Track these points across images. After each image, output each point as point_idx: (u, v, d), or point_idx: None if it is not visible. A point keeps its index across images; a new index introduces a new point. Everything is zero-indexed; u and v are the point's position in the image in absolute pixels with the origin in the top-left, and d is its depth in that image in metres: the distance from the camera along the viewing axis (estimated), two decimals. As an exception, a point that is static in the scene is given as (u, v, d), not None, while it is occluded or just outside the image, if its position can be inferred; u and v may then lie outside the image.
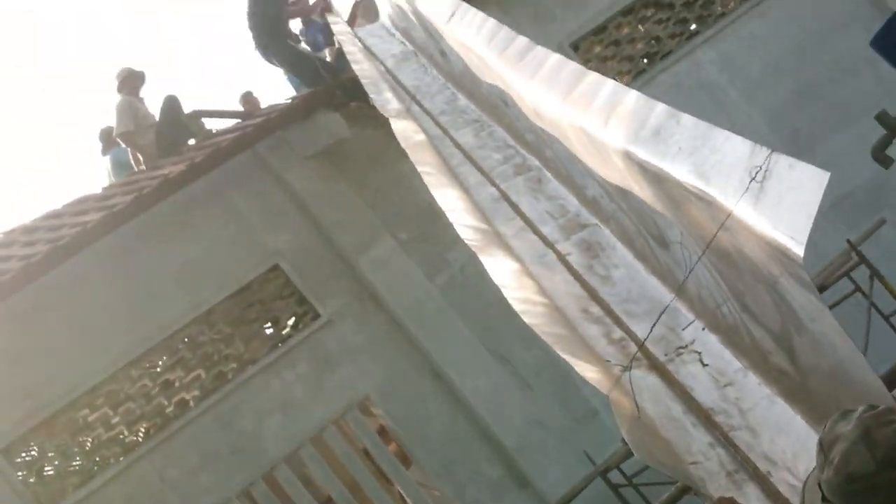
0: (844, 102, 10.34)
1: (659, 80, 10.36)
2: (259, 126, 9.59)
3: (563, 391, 9.44)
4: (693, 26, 10.78)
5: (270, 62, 10.79)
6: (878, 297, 7.95)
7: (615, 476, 8.14)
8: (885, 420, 2.46)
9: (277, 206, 9.60)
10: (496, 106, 6.58)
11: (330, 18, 10.69)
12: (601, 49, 10.59)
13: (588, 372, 3.97)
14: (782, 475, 3.26)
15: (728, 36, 10.66)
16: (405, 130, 6.80)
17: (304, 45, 10.99)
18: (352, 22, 11.87)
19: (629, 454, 6.03)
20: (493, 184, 6.00)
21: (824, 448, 2.52)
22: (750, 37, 10.63)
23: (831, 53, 10.56)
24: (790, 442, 3.34)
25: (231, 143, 9.42)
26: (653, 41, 10.71)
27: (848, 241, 8.16)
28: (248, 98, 12.03)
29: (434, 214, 9.48)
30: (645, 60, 10.66)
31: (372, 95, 7.74)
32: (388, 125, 9.24)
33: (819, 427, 3.23)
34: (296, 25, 11.52)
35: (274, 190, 9.64)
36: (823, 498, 2.52)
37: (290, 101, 10.20)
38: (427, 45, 8.18)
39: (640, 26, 10.76)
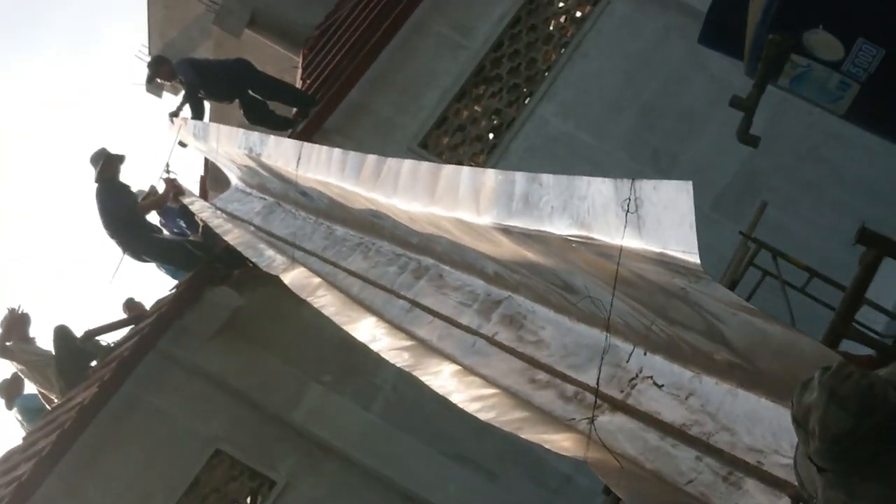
0: (689, 109, 10.61)
1: (512, 148, 10.56)
2: (153, 324, 9.59)
3: (530, 469, 9.46)
4: (525, 89, 11.01)
5: (143, 261, 10.82)
6: (787, 274, 8.12)
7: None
8: (843, 375, 2.55)
9: (198, 393, 9.58)
10: (372, 224, 6.67)
11: (185, 200, 10.75)
12: (448, 139, 10.77)
13: (560, 443, 4.03)
14: (773, 459, 3.33)
15: (560, 86, 10.90)
16: (298, 279, 6.87)
17: (167, 235, 11.00)
18: (204, 196, 12.02)
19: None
20: (400, 296, 6.04)
21: (800, 423, 2.61)
22: (581, 79, 10.89)
23: (660, 69, 10.84)
24: (766, 426, 3.42)
25: (133, 350, 9.41)
26: (493, 116, 10.93)
27: (740, 233, 8.36)
28: (130, 304, 11.98)
29: (349, 347, 9.51)
30: (492, 136, 10.85)
31: (253, 259, 7.80)
32: (276, 280, 9.35)
33: (785, 402, 3.33)
34: (154, 217, 11.58)
35: (189, 380, 9.62)
36: (819, 469, 2.59)
37: (174, 290, 10.18)
38: (286, 191, 8.25)
39: (476, 106, 10.98)
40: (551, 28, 11.34)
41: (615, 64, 10.99)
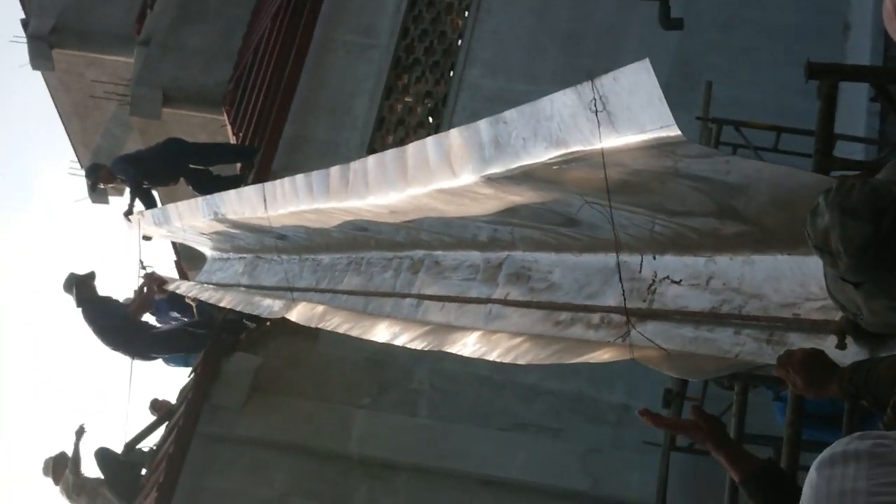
0: (606, 24, 10.70)
1: (455, 122, 10.60)
2: (185, 413, 9.63)
3: (587, 412, 9.53)
4: (445, 63, 11.07)
5: (152, 359, 10.86)
6: (756, 140, 8.21)
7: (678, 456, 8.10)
8: (846, 189, 2.62)
9: (252, 461, 9.63)
10: (355, 238, 6.72)
11: (170, 288, 10.79)
12: (392, 137, 10.87)
13: (602, 357, 4.09)
14: (807, 307, 3.39)
15: (477, 48, 10.99)
16: (302, 313, 6.91)
17: (165, 327, 11.01)
18: (184, 277, 12.08)
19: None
20: (404, 296, 6.10)
21: (822, 248, 2.66)
22: (494, 35, 10.98)
23: (563, -3, 10.94)
24: (790, 280, 3.49)
25: (176, 445, 9.45)
26: (425, 99, 11.00)
27: (698, 118, 8.46)
28: (156, 405, 11.97)
29: (375, 364, 9.70)
30: (431, 118, 10.91)
31: (254, 313, 7.85)
32: (283, 329, 9.43)
33: (800, 251, 3.40)
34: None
35: (239, 452, 9.67)
36: (855, 285, 2.65)
37: (192, 374, 10.22)
38: (262, 241, 8.30)
39: (406, 97, 11.05)
40: (447, -2, 11.42)
41: (520, 8, 11.06)
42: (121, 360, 10.85)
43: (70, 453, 10.67)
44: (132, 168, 11.33)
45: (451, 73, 10.99)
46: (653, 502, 8.05)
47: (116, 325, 10.59)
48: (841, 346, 3.18)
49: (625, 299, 4.18)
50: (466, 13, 11.13)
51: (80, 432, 10.73)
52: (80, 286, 10.73)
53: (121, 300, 11.15)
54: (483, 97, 10.68)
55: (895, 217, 2.55)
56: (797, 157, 7.64)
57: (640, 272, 4.20)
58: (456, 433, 9.54)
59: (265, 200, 6.89)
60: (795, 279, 3.46)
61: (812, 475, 1.99)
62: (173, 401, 10.98)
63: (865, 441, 1.96)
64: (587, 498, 9.17)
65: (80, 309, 10.75)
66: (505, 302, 5.10)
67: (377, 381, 9.84)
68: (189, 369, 10.72)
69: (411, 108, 11.04)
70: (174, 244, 13.26)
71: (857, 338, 3.16)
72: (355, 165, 5.44)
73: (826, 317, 3.30)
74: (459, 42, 11.06)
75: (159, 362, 11.33)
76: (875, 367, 2.91)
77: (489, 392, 9.68)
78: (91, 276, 10.84)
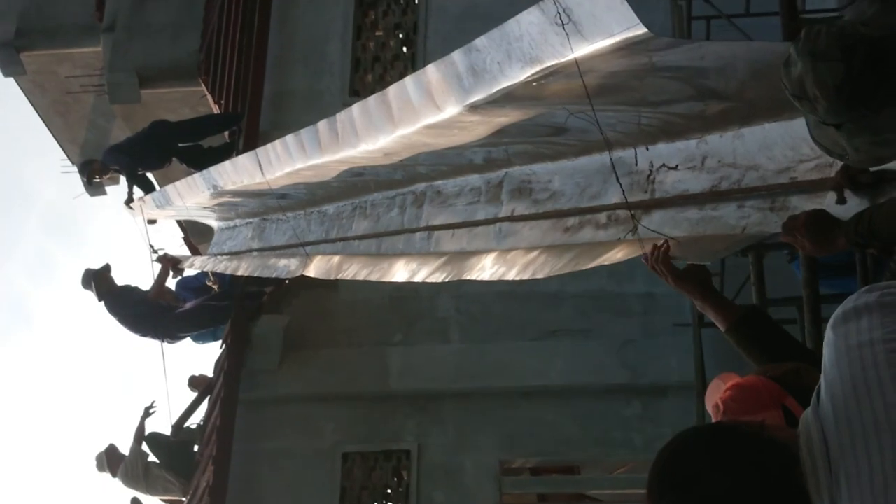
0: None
1: (430, 48, 10.67)
2: (225, 383, 9.76)
3: (614, 308, 9.65)
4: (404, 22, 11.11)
5: (179, 339, 10.95)
6: (727, 8, 8.22)
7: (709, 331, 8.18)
8: (814, 35, 2.68)
9: (299, 417, 9.84)
10: (354, 184, 6.78)
11: (185, 265, 10.89)
12: (371, 75, 10.90)
13: (616, 256, 4.18)
14: (802, 168, 3.47)
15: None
16: (320, 267, 7.00)
17: (187, 305, 11.08)
18: (195, 252, 12.17)
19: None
20: (414, 230, 6.17)
21: (800, 95, 2.72)
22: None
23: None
24: (781, 145, 3.56)
25: (223, 415, 9.58)
26: (396, 31, 11.04)
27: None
28: (193, 381, 12.09)
29: (398, 301, 9.83)
30: (405, 48, 10.93)
31: (272, 275, 7.94)
32: (302, 285, 9.54)
33: (785, 116, 3.47)
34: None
35: (285, 410, 9.87)
36: (837, 126, 2.70)
37: (224, 345, 10.33)
38: (265, 204, 8.36)
39: (377, 32, 11.09)
40: (400, -76, 11.39)
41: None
42: (151, 346, 10.95)
43: (136, 431, 10.75)
44: (124, 156, 11.39)
45: (417, 1, 10.97)
46: (692, 381, 8.18)
47: (141, 311, 10.70)
48: (841, 200, 3.26)
49: (625, 195, 4.25)
50: (421, -62, 11.11)
51: (147, 410, 10.83)
52: (99, 280, 10.83)
53: (140, 288, 11.23)
54: (452, 17, 10.67)
55: (865, 53, 2.61)
56: (770, 17, 7.65)
57: (636, 165, 4.27)
58: (490, 352, 9.67)
59: (260, 166, 6.94)
60: (786, 144, 3.53)
61: (829, 334, 2.07)
62: (210, 375, 11.13)
63: (873, 293, 2.04)
64: (630, 389, 9.31)
65: (101, 303, 10.85)
66: (512, 218, 5.18)
67: (404, 316, 9.97)
68: (219, 343, 10.84)
69: (384, 43, 11.04)
70: (180, 222, 13.34)
71: (856, 190, 3.24)
72: (341, 116, 5.48)
73: (822, 175, 3.38)
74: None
75: (188, 342, 11.44)
76: (877, 212, 2.98)
77: (515, 306, 9.79)
78: (107, 269, 10.94)
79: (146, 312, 10.70)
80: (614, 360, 9.37)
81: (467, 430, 9.55)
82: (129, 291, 10.97)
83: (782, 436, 2.11)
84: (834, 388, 2.00)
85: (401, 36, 11.01)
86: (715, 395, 2.92)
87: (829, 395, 2.01)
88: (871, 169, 3.18)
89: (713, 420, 2.94)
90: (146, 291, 11.01)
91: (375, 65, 10.87)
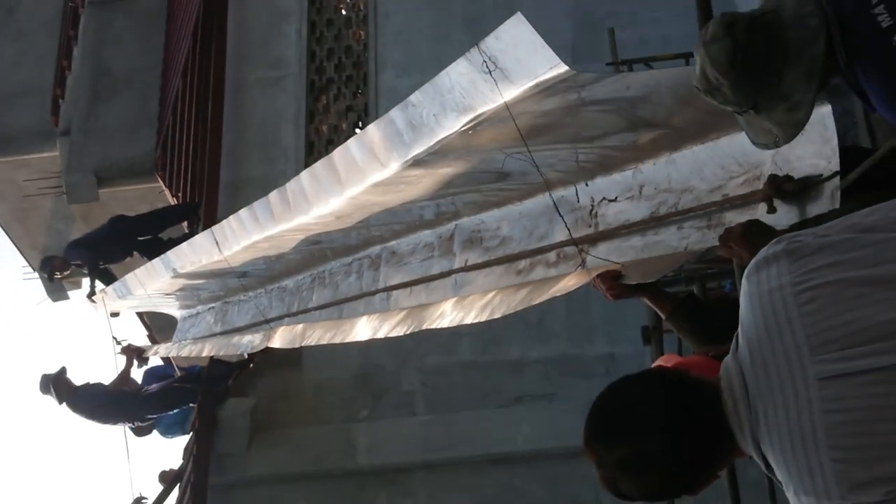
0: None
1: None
2: (194, 469, 9.73)
3: (574, 371, 9.75)
4: (358, 74, 11.32)
5: (146, 421, 10.90)
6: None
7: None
8: (704, 29, 2.89)
9: (270, 499, 9.77)
10: (312, 254, 6.90)
11: (149, 354, 10.94)
12: (324, 149, 11.03)
13: (567, 285, 4.31)
14: (733, 184, 3.63)
15: (385, 52, 11.24)
16: (283, 337, 7.10)
17: (153, 388, 11.04)
18: (154, 340, 12.23)
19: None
20: (373, 293, 6.29)
21: (708, 89, 2.91)
22: (398, 35, 11.22)
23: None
24: (712, 165, 3.73)
25: (194, 501, 9.56)
26: (348, 114, 11.24)
27: (608, 64, 8.71)
28: (164, 475, 11.95)
29: (364, 376, 9.95)
30: (358, 130, 11.11)
31: (238, 352, 8.03)
32: (267, 365, 9.63)
33: (713, 137, 3.65)
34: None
35: (256, 492, 9.80)
36: (755, 110, 2.86)
37: (192, 431, 10.34)
38: (226, 285, 8.45)
39: (329, 116, 11.28)
40: (344, 12, 11.67)
41: (415, 4, 11.33)
42: (118, 442, 10.92)
43: None
44: (84, 251, 11.47)
45: (366, 83, 11.20)
46: (659, 437, 8.25)
47: (105, 401, 10.67)
48: (771, 209, 3.41)
49: (570, 232, 4.41)
50: (367, 23, 11.35)
51: (139, 501, 10.77)
52: (57, 384, 10.76)
53: (100, 382, 11.17)
54: (402, 97, 10.73)
55: (746, 23, 2.80)
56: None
57: (578, 201, 4.42)
58: (457, 422, 9.73)
59: (217, 243, 7.06)
60: (715, 164, 3.70)
61: (744, 285, 2.24)
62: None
63: (781, 243, 2.20)
64: (597, 449, 9.35)
65: (63, 405, 10.80)
66: (466, 269, 5.31)
67: (369, 392, 10.05)
68: (187, 436, 10.81)
69: (336, 126, 11.26)
70: (143, 319, 13.38)
71: (783, 198, 3.39)
72: (290, 185, 5.63)
73: (751, 188, 3.54)
74: (366, 51, 11.27)
75: (157, 436, 11.41)
76: (819, 221, 3.12)
77: (478, 375, 9.89)
78: (63, 371, 10.88)
79: (110, 401, 10.68)
80: (579, 422, 9.34)
81: (438, 501, 9.58)
82: (89, 387, 10.93)
83: (706, 380, 2.25)
84: (749, 332, 2.15)
85: (353, 118, 11.22)
86: None
87: (745, 339, 2.16)
88: (795, 178, 3.35)
89: None
90: (107, 384, 10.99)
91: (329, 147, 11.03)
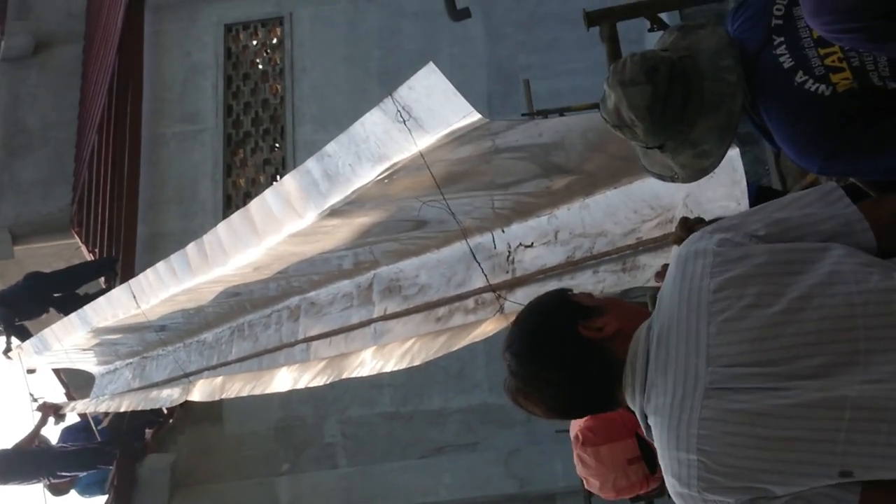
0: (414, 52, 11.03)
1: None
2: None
3: (497, 420, 9.82)
4: (275, 128, 11.36)
5: (61, 480, 10.70)
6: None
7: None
8: (620, 65, 2.94)
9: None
10: (231, 307, 6.88)
11: (65, 411, 10.80)
12: (242, 202, 11.03)
13: (486, 329, 4.35)
14: (646, 227, 3.71)
15: (302, 106, 11.39)
16: (203, 390, 7.06)
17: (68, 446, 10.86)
18: (71, 397, 12.09)
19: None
20: (292, 344, 6.28)
21: (619, 125, 2.93)
22: (314, 90, 11.43)
23: (369, 37, 11.39)
24: (625, 209, 3.80)
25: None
26: (265, 167, 11.27)
27: (523, 115, 8.81)
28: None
29: (284, 429, 9.88)
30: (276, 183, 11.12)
31: (156, 406, 7.97)
32: (187, 421, 9.57)
33: (624, 181, 3.72)
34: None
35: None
36: (660, 148, 2.91)
37: (110, 488, 10.19)
38: (144, 339, 8.38)
39: (246, 170, 11.30)
40: (261, 66, 11.72)
41: (332, 58, 11.40)
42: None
43: None
44: (0, 307, 11.34)
45: (284, 136, 11.24)
46: (579, 485, 8.31)
47: (11, 461, 10.47)
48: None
49: (486, 278, 4.46)
50: (282, 76, 11.40)
51: None
52: None
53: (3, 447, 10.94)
54: (318, 150, 10.87)
55: (667, 71, 2.83)
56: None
57: (495, 248, 4.48)
58: (379, 473, 9.74)
59: (135, 297, 6.99)
60: (628, 207, 3.77)
61: (673, 263, 2.32)
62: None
63: (712, 238, 2.28)
64: (519, 498, 9.45)
65: None
66: (385, 317, 5.33)
67: (291, 445, 10.02)
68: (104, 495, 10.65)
69: (253, 179, 11.28)
70: (60, 376, 13.20)
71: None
72: (207, 237, 5.61)
73: (664, 231, 3.62)
74: (283, 105, 11.31)
75: (74, 495, 11.23)
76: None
77: (400, 426, 9.91)
78: None
79: (17, 460, 10.49)
80: (501, 470, 9.50)
81: (363, 557, 9.57)
82: None
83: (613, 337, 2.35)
84: (664, 313, 2.25)
85: (270, 172, 11.24)
86: (576, 427, 3.10)
87: (660, 319, 2.25)
88: (706, 219, 3.41)
89: (574, 451, 3.12)
90: (12, 446, 10.77)
91: (246, 200, 11.02)
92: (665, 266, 3.38)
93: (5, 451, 10.60)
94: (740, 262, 2.23)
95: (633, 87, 2.84)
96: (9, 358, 11.19)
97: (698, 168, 2.90)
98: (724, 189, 3.35)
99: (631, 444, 3.01)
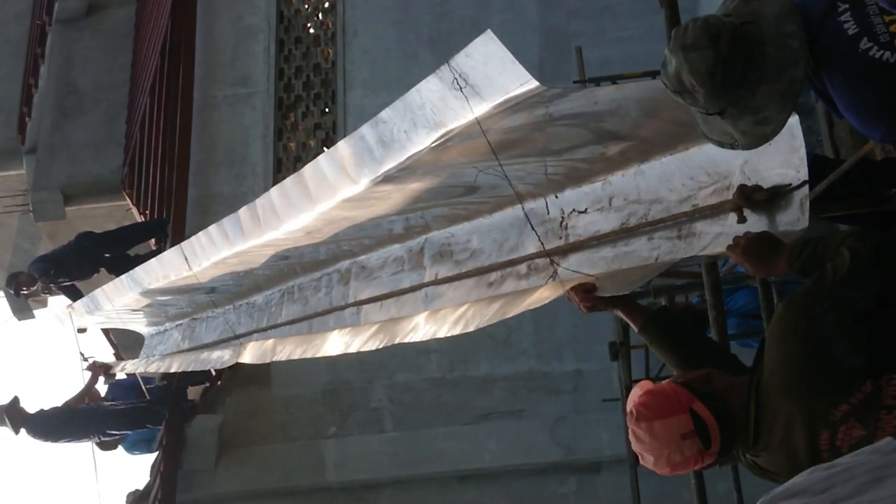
0: (466, 18, 11.02)
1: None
2: (162, 486, 9.72)
3: (543, 388, 9.84)
4: (326, 92, 11.36)
5: (111, 438, 10.80)
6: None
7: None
8: (682, 30, 2.93)
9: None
10: (281, 270, 6.90)
11: (115, 371, 10.91)
12: (292, 166, 11.05)
13: (541, 297, 4.35)
14: (702, 195, 3.68)
15: (353, 71, 11.37)
16: (253, 352, 7.10)
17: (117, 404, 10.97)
18: (120, 357, 12.19)
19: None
20: (342, 307, 6.30)
21: (680, 90, 2.91)
22: (365, 54, 11.40)
23: (421, 2, 11.27)
24: (680, 176, 3.78)
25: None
26: (316, 131, 11.27)
27: (575, 82, 8.76)
28: (134, 495, 11.91)
29: (332, 393, 9.96)
30: (325, 148, 11.13)
31: (206, 367, 8.02)
32: (236, 382, 9.64)
33: (680, 148, 3.69)
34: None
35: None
36: (720, 115, 2.89)
37: (159, 449, 10.30)
38: (194, 301, 8.43)
39: (297, 133, 11.32)
40: (313, 30, 11.72)
41: (383, 23, 11.39)
42: (88, 467, 10.82)
43: None
44: (52, 265, 11.45)
45: (334, 102, 11.25)
46: (625, 455, 8.31)
47: (64, 419, 10.59)
48: (741, 219, 3.46)
49: (542, 243, 4.45)
50: (335, 41, 11.40)
51: None
52: (11, 414, 10.63)
53: (55, 405, 11.03)
54: (370, 116, 10.74)
55: (729, 37, 2.82)
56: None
57: (548, 214, 4.46)
58: (425, 438, 9.77)
59: (186, 259, 7.04)
60: (684, 174, 3.74)
61: None
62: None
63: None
64: (564, 466, 9.45)
65: (21, 433, 10.68)
66: (436, 282, 5.33)
67: (337, 408, 10.07)
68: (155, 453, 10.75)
69: (304, 143, 11.29)
70: (109, 337, 13.32)
71: (753, 207, 3.43)
72: (260, 201, 5.63)
73: (721, 198, 3.59)
74: (334, 70, 11.32)
75: (122, 452, 11.33)
76: (822, 243, 3.14)
77: (446, 392, 9.93)
78: (16, 401, 10.72)
79: (69, 418, 10.59)
80: (547, 438, 9.51)
81: (408, 519, 9.62)
82: (44, 412, 10.82)
83: None
84: None
85: (321, 136, 11.25)
86: (630, 402, 3.10)
87: None
88: (764, 187, 3.39)
89: (628, 427, 3.12)
90: (65, 402, 10.89)
91: (297, 164, 11.05)
92: (738, 238, 3.36)
93: (57, 410, 10.73)
94: None
95: (694, 52, 2.83)
96: (58, 319, 11.30)
97: (759, 134, 2.88)
98: (782, 156, 3.31)
99: (685, 419, 3.00)
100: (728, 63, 2.81)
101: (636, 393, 3.13)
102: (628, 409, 3.14)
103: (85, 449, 10.94)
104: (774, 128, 2.86)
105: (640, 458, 3.17)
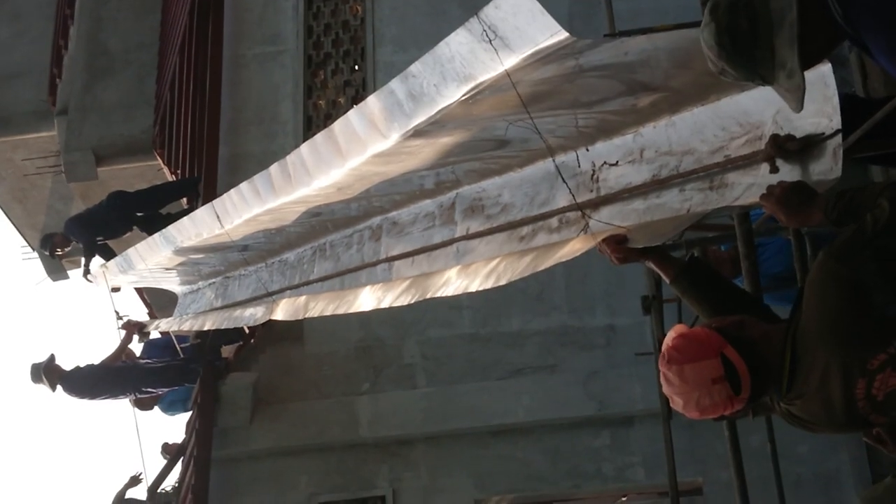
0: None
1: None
2: (197, 443, 9.78)
3: (579, 340, 9.83)
4: (356, 49, 11.35)
5: (146, 393, 10.86)
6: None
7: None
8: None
9: (272, 472, 9.93)
10: (312, 227, 6.92)
11: (149, 329, 10.98)
12: (322, 123, 11.05)
13: (573, 249, 4.35)
14: (734, 146, 3.66)
15: (382, 28, 11.41)
16: (286, 309, 7.13)
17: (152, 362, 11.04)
18: (153, 317, 12.25)
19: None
20: (374, 263, 6.31)
21: (716, 71, 2.89)
22: (394, 11, 11.38)
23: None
24: (711, 127, 3.76)
25: (197, 476, 9.56)
26: (346, 89, 11.27)
27: (606, 35, 8.71)
28: (167, 447, 12.00)
29: (365, 349, 9.99)
30: (356, 105, 11.11)
31: (239, 325, 8.06)
32: (269, 341, 9.70)
33: (711, 99, 3.67)
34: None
35: (258, 466, 9.96)
36: (765, 80, 2.87)
37: (194, 406, 10.37)
38: (227, 259, 8.46)
39: (327, 90, 11.32)
40: (341, -13, 11.70)
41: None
42: (122, 418, 10.93)
43: (115, 498, 10.72)
44: (85, 226, 11.52)
45: (364, 59, 11.23)
46: (658, 408, 8.32)
47: (100, 377, 10.67)
48: (773, 169, 3.44)
49: (573, 195, 4.44)
50: (363, -3, 11.41)
51: (134, 479, 10.80)
52: (48, 372, 10.70)
53: (90, 363, 11.11)
54: (399, 72, 10.69)
55: (727, 4, 2.81)
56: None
57: (579, 167, 4.45)
58: (458, 394, 9.81)
59: (218, 217, 7.07)
60: (716, 125, 3.72)
61: None
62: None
63: None
64: (597, 420, 9.48)
65: (57, 391, 10.77)
66: (468, 237, 5.33)
67: (370, 365, 10.12)
68: (187, 414, 10.82)
69: (334, 101, 11.30)
70: (143, 296, 13.41)
71: (786, 157, 3.41)
72: (291, 157, 5.64)
73: (753, 149, 3.57)
74: (363, 26, 11.29)
75: (158, 412, 11.43)
76: (857, 195, 3.12)
77: (479, 348, 9.96)
78: (52, 359, 10.81)
79: (105, 375, 10.68)
80: (580, 393, 9.53)
81: (440, 473, 9.67)
82: (80, 369, 10.90)
83: None
84: None
85: (351, 94, 11.24)
86: (664, 345, 3.10)
87: None
88: (797, 137, 3.37)
89: (660, 369, 3.13)
90: (101, 360, 10.97)
91: (327, 122, 11.03)
92: (772, 187, 3.34)
93: (93, 368, 10.82)
94: None
95: (704, 30, 2.86)
96: (88, 280, 11.38)
97: (794, 87, 2.85)
98: (815, 105, 3.28)
99: (715, 363, 3.01)
100: (731, 29, 2.80)
101: (670, 336, 3.15)
102: (661, 352, 3.16)
103: (126, 409, 11.00)
104: (800, 74, 2.84)
105: (670, 400, 3.18)
